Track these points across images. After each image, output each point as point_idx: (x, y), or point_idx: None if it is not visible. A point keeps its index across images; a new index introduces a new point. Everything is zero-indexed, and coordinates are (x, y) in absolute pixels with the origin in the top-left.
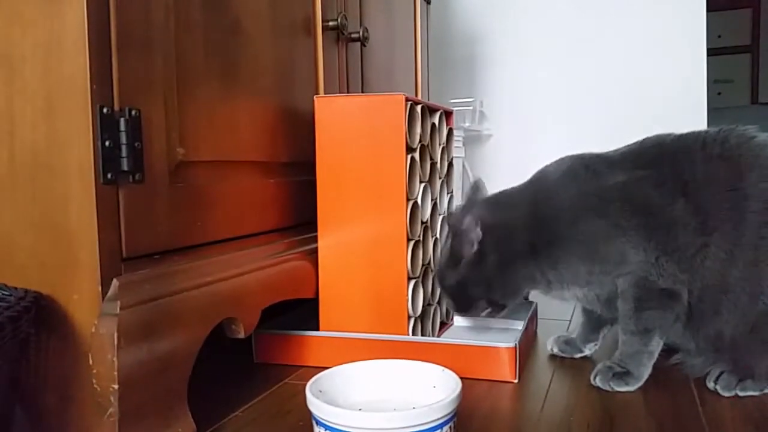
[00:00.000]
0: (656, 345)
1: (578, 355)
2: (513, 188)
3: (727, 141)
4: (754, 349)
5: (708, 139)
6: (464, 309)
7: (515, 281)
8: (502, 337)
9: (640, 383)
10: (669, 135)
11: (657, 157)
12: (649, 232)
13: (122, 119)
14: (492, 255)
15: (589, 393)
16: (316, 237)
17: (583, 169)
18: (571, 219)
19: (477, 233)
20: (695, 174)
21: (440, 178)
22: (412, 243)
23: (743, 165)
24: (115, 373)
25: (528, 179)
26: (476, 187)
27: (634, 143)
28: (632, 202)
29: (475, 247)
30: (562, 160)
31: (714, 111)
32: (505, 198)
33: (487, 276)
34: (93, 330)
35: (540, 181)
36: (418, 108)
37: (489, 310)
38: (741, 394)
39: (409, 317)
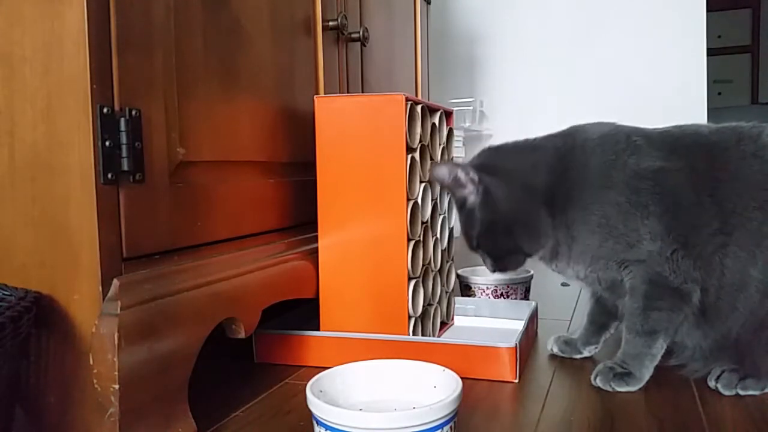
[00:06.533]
0: (660, 348)
1: (578, 356)
2: (541, 138)
3: (760, 138)
4: (762, 348)
5: (744, 134)
6: (500, 262)
7: (535, 219)
8: (502, 337)
9: (642, 384)
10: (707, 126)
11: (693, 147)
12: (673, 224)
13: (122, 119)
14: (501, 192)
15: (589, 393)
16: (316, 237)
17: (624, 138)
18: (598, 184)
19: (472, 176)
20: (728, 171)
21: None
22: (412, 243)
23: None
24: (116, 373)
25: (558, 132)
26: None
27: (673, 126)
28: (665, 189)
29: (479, 188)
30: (601, 123)
31: (714, 111)
32: (521, 142)
33: (505, 216)
34: (93, 330)
35: (575, 135)
36: (418, 108)
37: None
38: (742, 392)
39: (410, 317)
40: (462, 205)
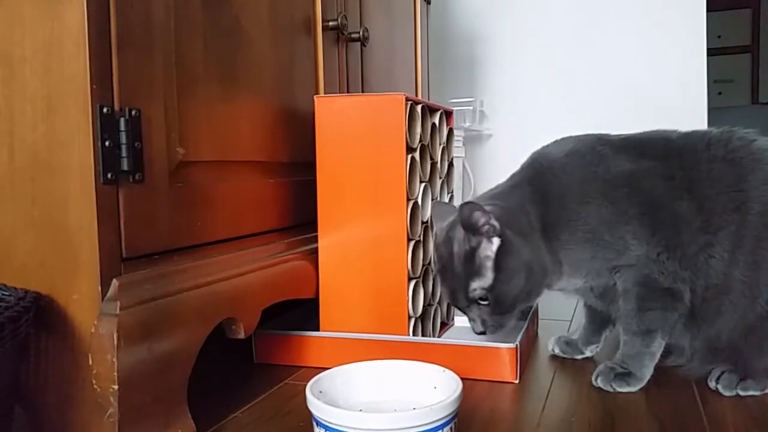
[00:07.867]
0: (658, 346)
1: (579, 357)
2: (509, 177)
3: (730, 142)
4: (753, 351)
5: (713, 139)
6: (499, 317)
7: (544, 260)
8: (502, 337)
9: (642, 384)
10: (674, 131)
11: (663, 151)
12: (654, 225)
13: (122, 119)
14: (517, 244)
15: (590, 393)
16: (316, 237)
17: (589, 151)
18: (577, 201)
19: (493, 222)
20: (700, 172)
21: (440, 178)
22: (412, 243)
23: (745, 167)
24: (115, 373)
25: (524, 163)
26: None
27: (639, 133)
28: (640, 192)
29: (497, 241)
30: (563, 140)
31: (714, 111)
32: (502, 188)
33: (521, 267)
34: (93, 330)
35: (541, 161)
36: (418, 108)
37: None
38: (742, 393)
39: (410, 317)
40: (471, 255)
